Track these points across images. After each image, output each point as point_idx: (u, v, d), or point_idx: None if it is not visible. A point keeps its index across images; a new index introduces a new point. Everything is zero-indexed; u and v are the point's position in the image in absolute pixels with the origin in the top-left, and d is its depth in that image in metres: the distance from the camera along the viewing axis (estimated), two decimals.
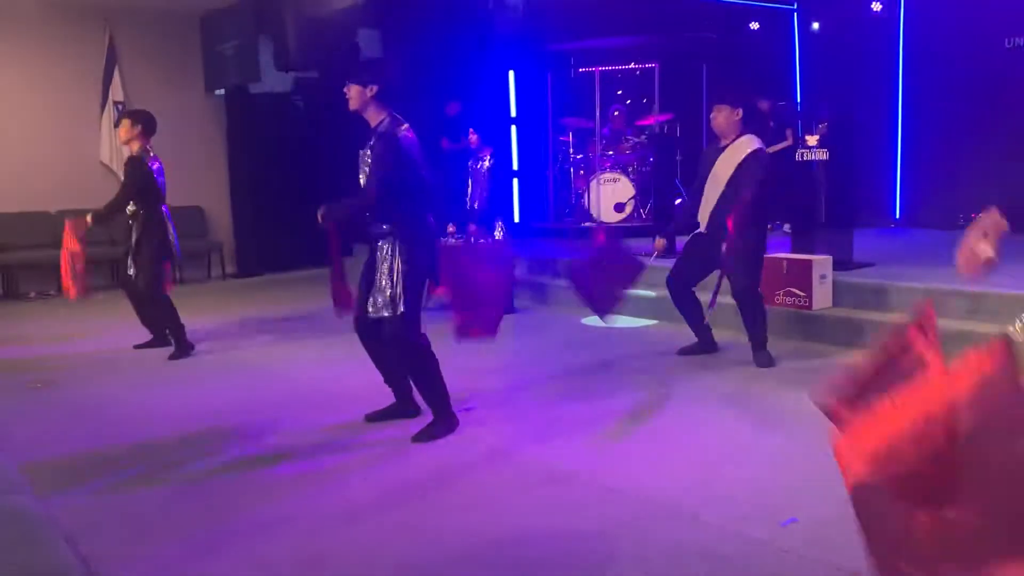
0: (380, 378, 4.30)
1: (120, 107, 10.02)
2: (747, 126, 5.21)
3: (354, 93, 3.93)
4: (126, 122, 5.98)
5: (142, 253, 5.94)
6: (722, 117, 5.12)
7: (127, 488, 3.53)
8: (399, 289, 3.89)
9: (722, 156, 5.18)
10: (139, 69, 10.15)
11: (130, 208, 5.96)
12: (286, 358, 5.88)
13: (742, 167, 5.07)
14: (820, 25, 9.96)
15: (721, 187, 5.14)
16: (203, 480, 3.59)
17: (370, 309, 3.99)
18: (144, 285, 5.98)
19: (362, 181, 4.01)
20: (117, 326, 6.95)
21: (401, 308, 3.89)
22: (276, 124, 10.58)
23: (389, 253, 3.94)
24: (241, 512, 3.24)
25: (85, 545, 2.93)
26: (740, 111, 5.13)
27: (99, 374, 5.54)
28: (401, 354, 4.01)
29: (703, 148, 5.53)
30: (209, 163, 10.48)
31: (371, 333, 4.10)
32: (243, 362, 5.78)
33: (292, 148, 10.66)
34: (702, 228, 5.33)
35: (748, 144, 5.11)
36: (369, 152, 3.95)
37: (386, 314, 3.93)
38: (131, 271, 6.00)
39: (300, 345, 6.31)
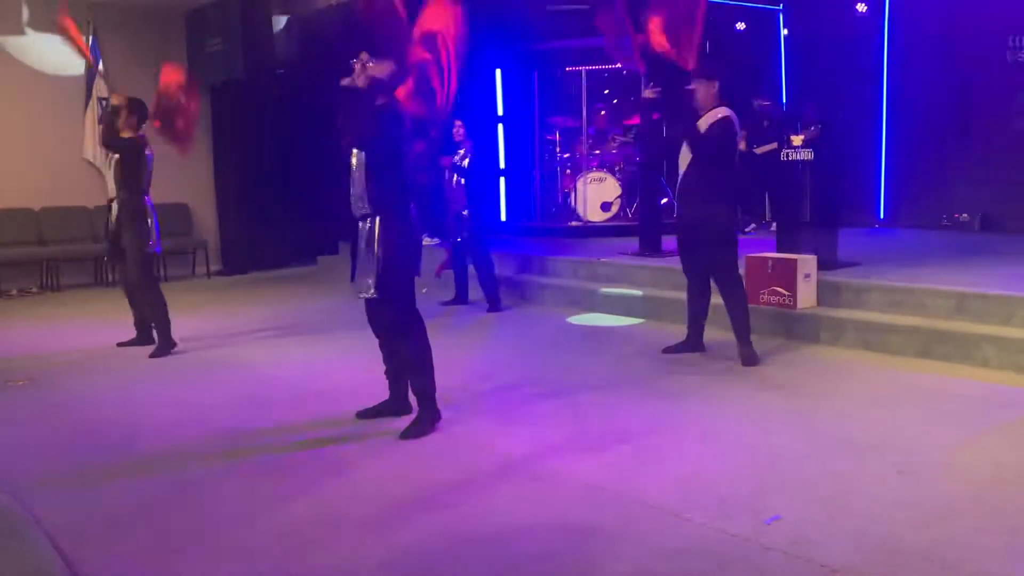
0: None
1: (104, 103, 9.96)
2: (723, 99, 5.25)
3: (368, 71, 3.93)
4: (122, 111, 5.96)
5: (127, 240, 5.92)
6: (702, 90, 5.18)
7: (108, 487, 3.49)
8: (379, 270, 3.94)
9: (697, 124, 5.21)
10: (123, 65, 10.08)
11: (111, 193, 5.95)
12: (271, 356, 5.85)
13: (716, 125, 5.11)
14: (805, 26, 10.00)
15: (691, 153, 5.18)
16: (185, 479, 3.56)
17: (361, 292, 4.02)
18: (135, 273, 5.97)
19: (352, 159, 4.01)
20: (99, 324, 6.90)
21: (379, 291, 3.95)
22: (262, 121, 10.54)
23: (368, 232, 3.97)
24: (224, 511, 3.22)
25: (66, 543, 2.91)
26: (716, 83, 5.19)
27: (81, 372, 5.50)
28: (400, 339, 4.05)
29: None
30: (194, 160, 10.37)
31: (376, 317, 4.15)
32: (227, 360, 5.75)
33: (278, 145, 10.62)
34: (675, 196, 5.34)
35: (721, 112, 5.17)
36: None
37: (370, 295, 3.98)
38: (115, 257, 6.00)
39: (285, 343, 6.28)
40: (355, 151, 4.00)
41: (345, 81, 3.94)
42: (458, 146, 7.32)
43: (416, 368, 4.06)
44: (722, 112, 5.17)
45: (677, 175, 5.37)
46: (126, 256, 5.96)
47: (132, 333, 6.24)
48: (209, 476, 3.58)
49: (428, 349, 4.08)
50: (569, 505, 3.16)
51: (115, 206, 5.99)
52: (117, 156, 5.94)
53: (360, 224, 4.04)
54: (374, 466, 3.65)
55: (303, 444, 3.94)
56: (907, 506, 3.05)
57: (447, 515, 3.10)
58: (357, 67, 3.93)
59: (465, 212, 7.22)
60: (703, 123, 5.16)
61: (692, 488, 3.27)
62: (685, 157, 5.24)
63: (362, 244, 4.01)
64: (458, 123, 7.27)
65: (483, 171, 7.52)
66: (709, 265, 5.28)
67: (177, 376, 5.36)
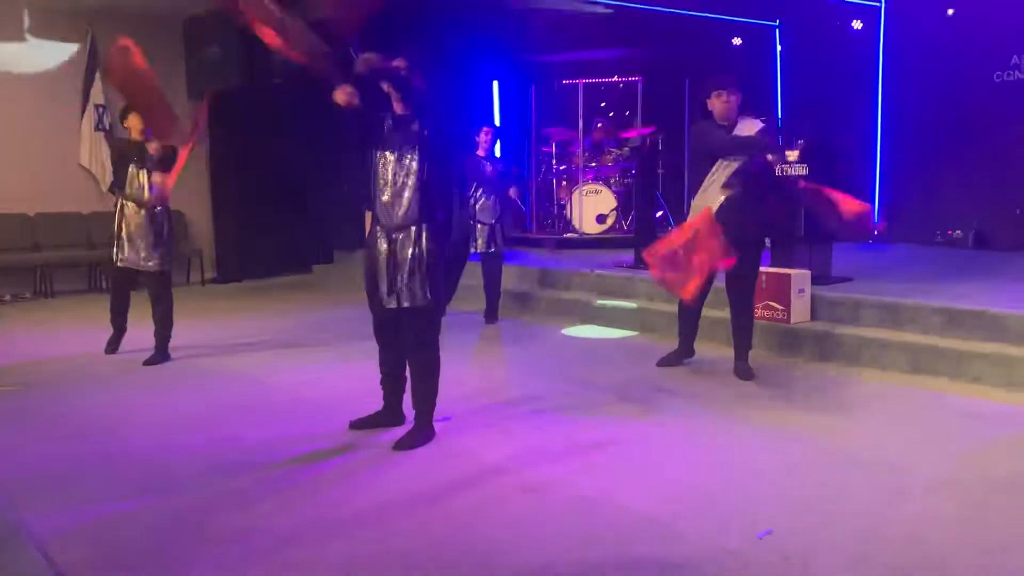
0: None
1: (101, 110, 9.96)
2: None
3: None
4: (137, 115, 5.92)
5: (166, 245, 5.93)
6: (735, 100, 5.10)
7: (101, 497, 3.48)
8: (426, 278, 3.92)
9: (734, 134, 5.06)
10: None
11: (137, 200, 5.89)
12: (266, 365, 5.84)
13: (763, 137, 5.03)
14: (801, 42, 10.07)
15: (743, 161, 5.05)
16: (178, 489, 3.55)
17: (405, 301, 3.95)
18: (165, 280, 5.98)
19: (388, 168, 3.92)
20: (93, 330, 6.87)
21: (428, 297, 3.93)
22: (258, 130, 10.55)
23: (414, 242, 3.92)
24: (216, 523, 3.21)
25: (57, 554, 2.91)
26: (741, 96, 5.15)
27: (74, 379, 5.48)
28: (419, 350, 4.02)
29: (695, 126, 5.29)
30: (189, 168, 10.40)
31: (393, 329, 4.09)
32: (222, 369, 5.74)
33: (274, 154, 10.63)
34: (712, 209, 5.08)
35: (756, 123, 5.12)
36: (401, 136, 3.91)
37: (407, 304, 3.94)
38: (151, 265, 5.91)
39: (280, 352, 6.27)
40: (397, 157, 3.91)
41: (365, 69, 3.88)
42: (484, 156, 7.24)
43: (425, 380, 4.05)
44: (757, 124, 5.12)
45: (684, 186, 5.28)
46: (160, 264, 5.93)
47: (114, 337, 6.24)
48: (202, 486, 3.57)
49: (439, 362, 4.08)
50: (561, 518, 3.16)
51: (138, 213, 5.90)
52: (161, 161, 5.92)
53: (395, 234, 3.94)
54: (367, 476, 3.64)
55: (297, 454, 3.93)
56: (900, 522, 3.06)
57: (439, 527, 3.10)
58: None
59: (496, 224, 7.19)
60: (743, 133, 5.04)
61: (685, 501, 3.28)
62: (725, 173, 5.06)
63: (405, 253, 3.92)
64: (486, 129, 7.23)
65: (512, 182, 7.53)
66: (739, 279, 5.18)
67: (172, 384, 5.34)
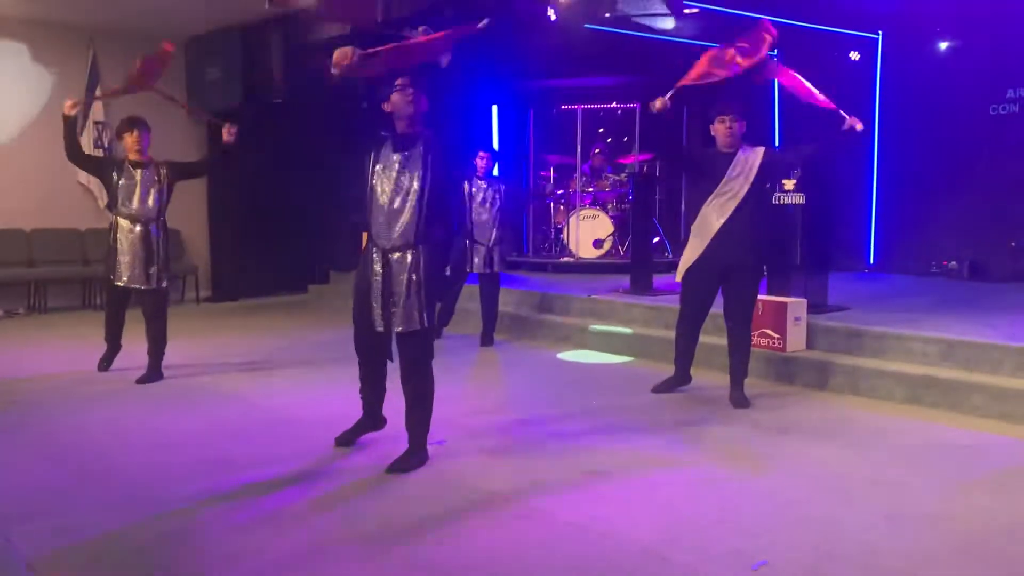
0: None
1: (100, 127, 9.97)
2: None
3: (419, 99, 3.88)
4: (136, 132, 5.89)
5: (162, 264, 5.92)
6: (738, 128, 5.10)
7: (90, 517, 3.43)
8: (423, 302, 3.90)
9: (737, 161, 5.07)
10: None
11: (137, 216, 5.88)
12: (260, 386, 5.81)
13: (769, 160, 5.11)
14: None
15: (744, 189, 5.04)
16: (169, 511, 3.51)
17: (399, 325, 3.92)
18: (161, 298, 5.96)
19: (386, 187, 3.88)
20: (86, 347, 6.84)
21: (425, 322, 3.91)
22: (258, 149, 10.56)
23: (411, 264, 3.89)
24: (207, 545, 3.17)
25: (45, 574, 2.87)
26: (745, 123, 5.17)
27: (66, 396, 5.44)
28: (413, 374, 3.98)
29: (701, 150, 5.35)
30: (188, 186, 10.40)
31: (380, 350, 4.07)
32: (214, 389, 5.70)
33: (272, 173, 10.64)
34: (709, 235, 5.09)
35: (760, 148, 5.15)
36: (403, 155, 3.87)
37: (402, 328, 3.91)
38: (146, 283, 5.88)
39: (274, 372, 6.24)
40: (396, 176, 3.87)
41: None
42: (482, 177, 7.23)
43: (419, 403, 4.01)
44: (760, 147, 5.14)
45: (680, 213, 5.31)
46: (156, 282, 5.91)
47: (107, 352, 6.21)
48: (194, 508, 3.53)
49: (433, 386, 4.06)
50: (553, 544, 3.13)
51: (133, 231, 5.87)
52: (166, 177, 5.97)
53: (390, 254, 3.90)
54: (359, 500, 3.61)
55: (290, 476, 3.90)
56: (894, 554, 3.04)
57: (429, 552, 3.07)
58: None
59: (494, 245, 7.17)
60: (746, 162, 5.06)
61: (679, 530, 3.25)
62: (727, 197, 5.06)
63: (401, 275, 3.89)
64: (482, 154, 7.24)
65: (516, 204, 7.49)
66: (737, 305, 5.17)
67: (164, 403, 5.31)
